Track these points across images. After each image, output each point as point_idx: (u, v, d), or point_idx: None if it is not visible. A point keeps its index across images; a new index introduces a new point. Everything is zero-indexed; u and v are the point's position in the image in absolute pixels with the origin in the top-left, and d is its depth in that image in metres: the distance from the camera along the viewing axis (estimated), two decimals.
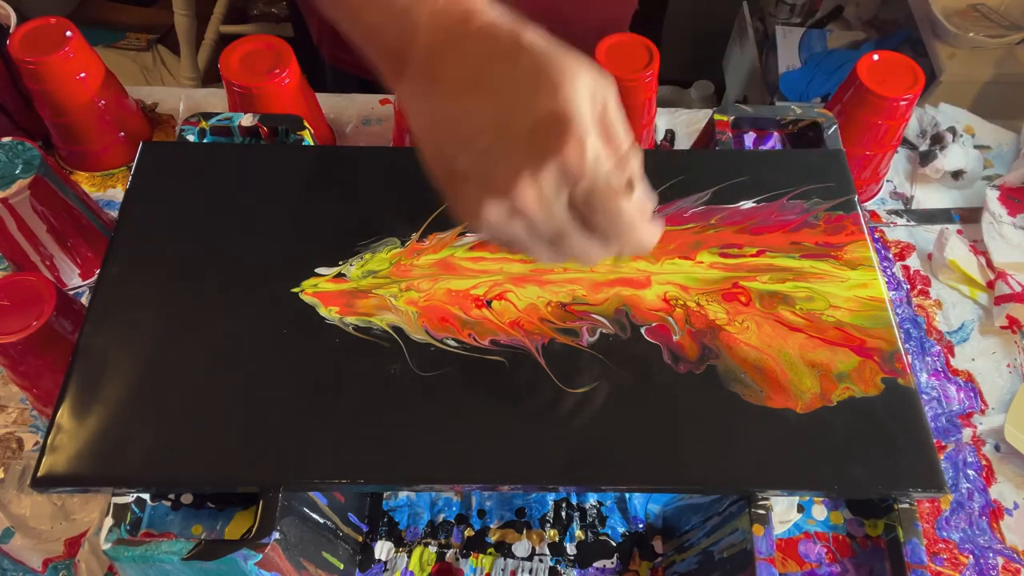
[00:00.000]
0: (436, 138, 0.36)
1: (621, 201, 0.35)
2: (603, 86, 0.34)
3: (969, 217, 0.74)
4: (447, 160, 0.36)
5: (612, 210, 0.35)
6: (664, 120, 0.80)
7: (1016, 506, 0.59)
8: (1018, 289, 0.68)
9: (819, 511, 0.50)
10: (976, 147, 0.79)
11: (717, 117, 0.62)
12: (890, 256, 0.72)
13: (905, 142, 0.79)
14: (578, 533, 0.57)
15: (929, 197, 0.76)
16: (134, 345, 0.48)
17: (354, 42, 0.40)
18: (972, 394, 0.64)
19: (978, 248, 0.72)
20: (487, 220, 0.35)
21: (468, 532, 0.57)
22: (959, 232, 0.73)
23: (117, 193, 0.74)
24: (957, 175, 0.76)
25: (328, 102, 0.79)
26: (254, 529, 0.43)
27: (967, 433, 0.62)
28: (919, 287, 0.70)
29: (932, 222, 0.74)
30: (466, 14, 0.36)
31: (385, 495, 0.58)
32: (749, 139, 0.63)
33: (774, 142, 0.63)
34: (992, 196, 0.73)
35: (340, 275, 0.51)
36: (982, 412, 0.63)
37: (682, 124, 0.80)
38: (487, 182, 0.34)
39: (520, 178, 0.33)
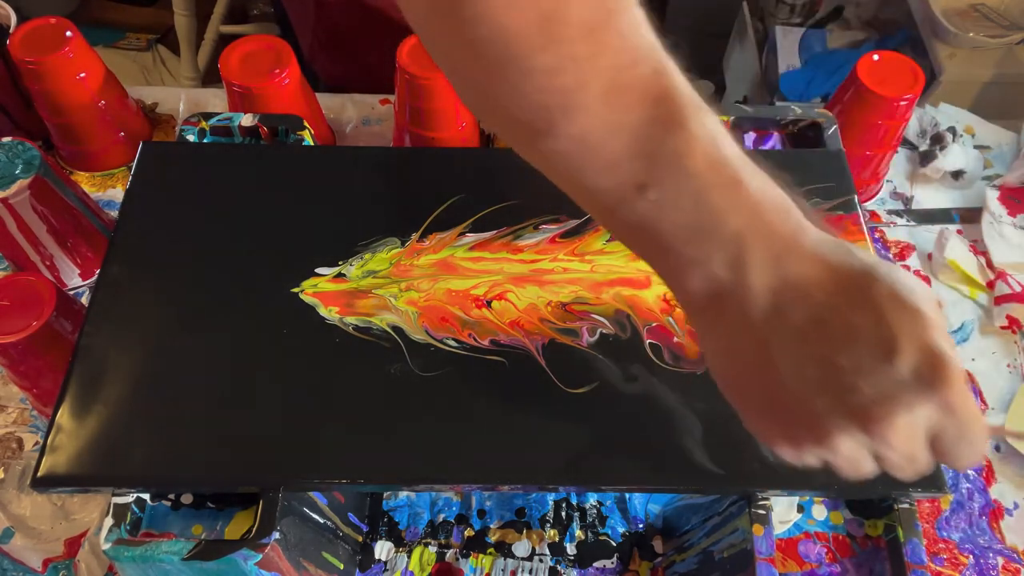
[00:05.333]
0: (766, 375, 0.34)
1: (984, 432, 0.34)
2: (935, 299, 0.33)
3: (969, 217, 0.74)
4: (779, 396, 0.34)
5: (976, 440, 0.34)
6: None
7: (1016, 506, 0.59)
8: (1018, 289, 0.68)
9: (819, 511, 0.50)
10: (976, 147, 0.79)
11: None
12: (890, 256, 0.72)
13: (905, 142, 0.79)
14: (578, 533, 0.57)
15: (929, 197, 0.76)
16: (134, 345, 0.48)
17: (639, 254, 0.37)
18: (972, 394, 0.64)
19: (978, 248, 0.72)
20: (841, 450, 0.34)
21: (468, 532, 0.57)
22: (959, 232, 0.73)
23: (117, 193, 0.74)
24: (957, 175, 0.76)
25: (328, 102, 0.79)
26: (254, 529, 0.43)
27: None
28: None
29: (932, 222, 0.74)
30: (793, 234, 0.34)
31: (385, 495, 0.58)
32: (749, 139, 0.63)
33: (774, 142, 0.63)
34: (992, 196, 0.73)
35: (340, 275, 0.51)
36: (982, 412, 0.63)
37: None
38: (844, 416, 0.33)
39: (894, 414, 0.32)
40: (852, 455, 0.34)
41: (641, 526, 0.58)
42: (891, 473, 0.35)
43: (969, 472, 0.60)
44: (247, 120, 0.60)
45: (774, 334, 0.34)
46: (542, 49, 0.31)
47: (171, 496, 0.47)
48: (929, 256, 0.72)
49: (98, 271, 0.52)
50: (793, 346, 0.33)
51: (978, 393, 0.64)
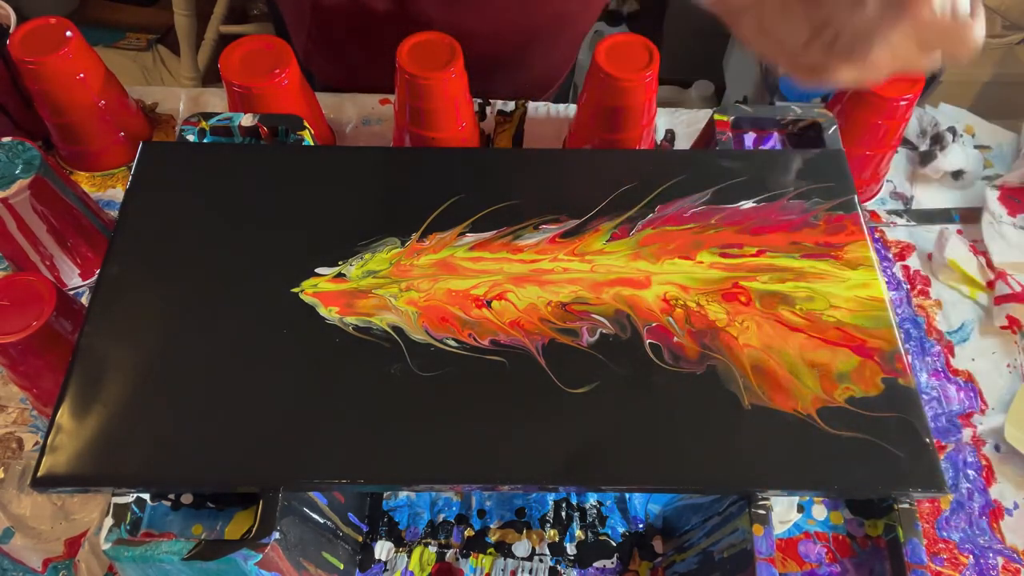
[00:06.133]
0: (773, 41, 0.42)
1: (966, 23, 0.39)
2: None
3: (969, 217, 0.74)
4: (786, 54, 0.42)
5: (958, 31, 0.38)
6: (664, 120, 0.80)
7: (1016, 506, 0.59)
8: (1018, 289, 0.68)
9: (819, 511, 0.50)
10: (976, 147, 0.79)
11: (717, 117, 0.62)
12: (890, 256, 0.72)
13: (905, 142, 0.79)
14: (578, 533, 0.57)
15: (929, 197, 0.76)
16: (134, 345, 0.48)
17: None
18: (972, 394, 0.64)
19: (978, 248, 0.72)
20: (843, 80, 0.41)
21: (468, 532, 0.57)
22: (959, 232, 0.73)
23: (117, 193, 0.74)
24: (957, 175, 0.76)
25: (328, 102, 0.79)
26: (254, 529, 0.43)
27: (967, 433, 0.62)
28: (919, 287, 0.70)
29: (932, 222, 0.74)
30: None
31: (385, 495, 0.58)
32: (749, 139, 0.63)
33: (774, 142, 0.63)
34: (992, 196, 0.73)
35: (340, 275, 0.51)
36: (982, 412, 0.63)
37: (682, 124, 0.80)
38: (834, 61, 0.40)
39: (870, 48, 0.39)
40: (855, 79, 0.41)
41: (641, 526, 0.58)
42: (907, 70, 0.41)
43: (969, 472, 0.60)
44: (247, 120, 0.60)
45: (767, 7, 0.41)
46: None
47: (171, 496, 0.47)
48: (929, 256, 0.72)
49: (98, 271, 0.52)
50: (782, 14, 0.41)
51: (978, 393, 0.64)
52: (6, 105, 0.73)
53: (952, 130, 0.76)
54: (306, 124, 0.60)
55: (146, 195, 0.54)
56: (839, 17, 0.38)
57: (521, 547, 0.57)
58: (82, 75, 0.68)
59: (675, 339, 0.49)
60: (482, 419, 0.46)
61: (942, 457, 0.61)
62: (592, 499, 0.58)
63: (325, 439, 0.45)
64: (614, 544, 0.57)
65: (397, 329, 0.49)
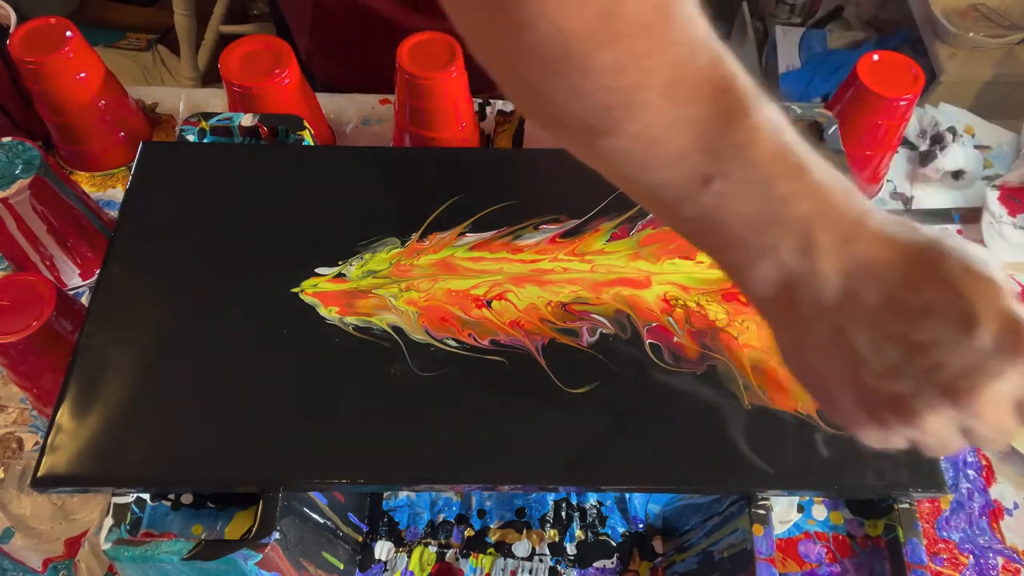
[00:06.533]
0: (846, 361, 0.34)
1: None
2: (1002, 267, 0.34)
3: (969, 217, 0.74)
4: (861, 380, 0.34)
5: None
6: None
7: (1016, 506, 0.59)
8: (1018, 289, 0.68)
9: (819, 511, 0.50)
10: (976, 147, 0.79)
11: None
12: None
13: (905, 142, 0.79)
14: (578, 533, 0.57)
15: (929, 197, 0.76)
16: (134, 345, 0.48)
17: (702, 248, 0.37)
18: None
19: None
20: (930, 428, 0.33)
21: (468, 532, 0.57)
22: (959, 232, 0.73)
23: (117, 193, 0.74)
24: (957, 175, 0.76)
25: (328, 102, 0.79)
26: (254, 529, 0.43)
27: None
28: None
29: (932, 222, 0.74)
30: (859, 217, 0.33)
31: (385, 495, 0.58)
32: None
33: None
34: (992, 196, 0.73)
35: (340, 275, 0.51)
36: None
37: None
38: (932, 393, 0.32)
39: (983, 386, 0.32)
40: (941, 432, 0.33)
41: (641, 526, 0.58)
42: (979, 446, 0.34)
43: (969, 472, 0.60)
44: (247, 120, 0.60)
45: (850, 318, 0.33)
46: (601, 47, 0.31)
47: (171, 496, 0.47)
48: None
49: (98, 271, 0.52)
50: (871, 328, 0.33)
51: None
52: (6, 105, 0.73)
53: (952, 130, 0.76)
54: (306, 124, 0.60)
55: (146, 195, 0.54)
56: (945, 340, 0.32)
57: (521, 547, 0.57)
58: (82, 75, 0.68)
59: (675, 339, 0.49)
60: (482, 419, 0.46)
61: (942, 457, 0.61)
62: (592, 499, 0.58)
63: (325, 439, 0.45)
64: (614, 544, 0.57)
65: (397, 329, 0.49)
